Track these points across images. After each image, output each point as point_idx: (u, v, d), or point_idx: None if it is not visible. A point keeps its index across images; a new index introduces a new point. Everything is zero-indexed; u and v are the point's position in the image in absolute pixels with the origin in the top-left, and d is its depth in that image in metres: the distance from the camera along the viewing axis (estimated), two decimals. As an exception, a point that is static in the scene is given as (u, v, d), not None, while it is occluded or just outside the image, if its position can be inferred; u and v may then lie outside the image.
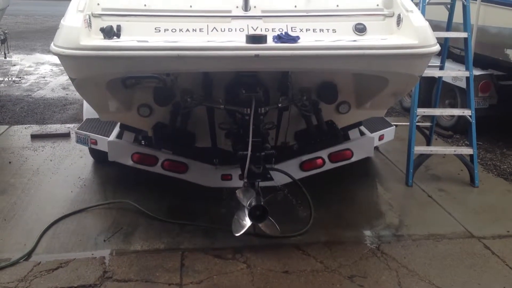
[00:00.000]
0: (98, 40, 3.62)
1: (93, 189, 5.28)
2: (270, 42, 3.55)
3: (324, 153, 4.87)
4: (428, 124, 6.38)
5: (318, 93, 4.43)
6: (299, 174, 4.83)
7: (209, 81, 4.27)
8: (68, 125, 7.57)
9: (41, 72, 12.12)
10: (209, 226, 4.48)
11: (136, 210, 4.74)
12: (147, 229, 4.44)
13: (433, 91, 6.93)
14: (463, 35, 5.38)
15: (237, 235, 3.94)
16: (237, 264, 3.93)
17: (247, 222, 3.94)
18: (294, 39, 3.67)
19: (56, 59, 14.10)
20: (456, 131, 7.37)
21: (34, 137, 6.93)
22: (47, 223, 4.47)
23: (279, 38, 3.67)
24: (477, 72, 6.64)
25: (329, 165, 4.94)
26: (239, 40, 3.60)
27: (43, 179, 5.52)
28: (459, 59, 7.04)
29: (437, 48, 3.79)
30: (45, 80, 11.20)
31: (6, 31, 10.82)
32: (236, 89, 4.14)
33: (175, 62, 3.52)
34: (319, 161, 4.91)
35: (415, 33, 3.73)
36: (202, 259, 4.00)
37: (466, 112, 5.41)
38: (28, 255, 4.03)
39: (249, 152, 3.84)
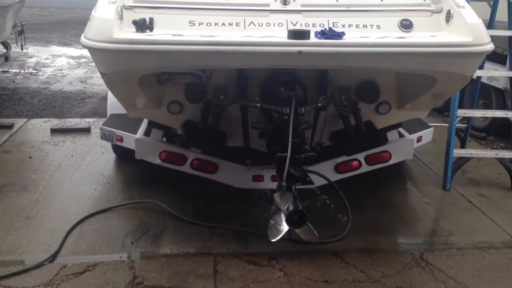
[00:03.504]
0: (131, 33, 3.41)
1: (117, 187, 5.09)
2: (313, 38, 3.33)
3: (360, 155, 4.64)
4: (462, 125, 6.11)
5: (358, 93, 4.19)
6: (333, 177, 4.60)
7: (244, 78, 4.05)
8: (87, 120, 7.41)
9: (57, 64, 11.98)
10: (241, 230, 4.27)
11: (162, 211, 4.54)
12: (176, 231, 4.24)
13: (465, 91, 6.67)
14: (509, 33, 5.11)
15: (273, 240, 3.72)
16: (273, 272, 3.72)
17: (284, 227, 3.71)
18: (339, 35, 3.44)
19: (72, 52, 14.08)
20: (490, 132, 7.10)
21: (54, 131, 6.77)
22: (72, 223, 4.29)
23: (323, 34, 3.45)
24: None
25: (365, 168, 4.71)
26: (279, 36, 3.38)
27: (65, 175, 5.34)
28: (496, 59, 6.73)
29: (491, 46, 3.56)
30: (62, 72, 11.05)
31: (23, 23, 10.70)
32: (273, 87, 3.92)
33: (213, 58, 3.31)
34: (355, 163, 4.68)
35: (468, 30, 3.49)
36: (235, 265, 3.79)
37: (509, 114, 5.15)
38: (53, 256, 3.85)
39: (288, 154, 3.62)
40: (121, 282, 3.55)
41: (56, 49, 14.15)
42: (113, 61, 3.41)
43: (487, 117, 6.96)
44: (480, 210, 4.75)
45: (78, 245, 4.01)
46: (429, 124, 5.49)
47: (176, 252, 3.94)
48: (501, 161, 5.25)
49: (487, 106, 7.18)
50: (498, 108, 6.87)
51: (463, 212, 4.73)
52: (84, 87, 9.70)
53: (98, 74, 4.12)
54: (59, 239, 4.04)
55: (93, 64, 11.78)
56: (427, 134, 5.28)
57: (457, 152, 5.24)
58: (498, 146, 6.80)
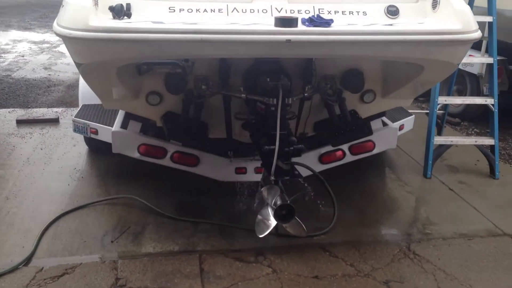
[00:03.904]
0: (108, 21, 3.18)
1: (92, 182, 4.86)
2: (300, 25, 3.20)
3: (345, 145, 4.55)
4: (439, 111, 6.10)
5: (343, 81, 4.09)
6: (318, 167, 4.51)
7: (226, 67, 3.89)
8: (55, 109, 7.08)
9: (19, 50, 11.45)
10: (226, 225, 4.14)
11: (142, 207, 4.36)
12: (158, 228, 4.08)
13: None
14: (488, 19, 5.10)
15: (261, 236, 3.61)
16: (261, 269, 3.62)
17: (272, 222, 3.61)
18: (328, 23, 3.31)
19: (33, 36, 13.45)
20: (464, 118, 7.16)
21: (20, 122, 6.44)
22: (46, 222, 4.06)
23: (311, 21, 3.31)
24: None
25: (349, 158, 4.64)
26: (265, 23, 3.23)
27: (36, 170, 5.07)
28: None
29: (479, 34, 3.51)
30: (24, 59, 10.56)
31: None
32: (258, 77, 3.78)
33: (197, 47, 3.13)
34: (339, 153, 4.60)
35: (456, 17, 3.42)
36: (222, 263, 3.66)
37: (489, 101, 5.16)
38: (28, 259, 3.63)
39: (276, 147, 3.50)
40: (103, 285, 3.38)
41: (17, 33, 13.53)
42: (90, 51, 3.18)
43: (461, 103, 6.99)
44: (461, 198, 4.77)
45: (54, 246, 3.80)
46: (408, 110, 5.46)
47: (159, 250, 3.78)
48: (480, 148, 5.28)
49: (461, 92, 7.23)
50: (473, 93, 6.92)
51: (445, 200, 4.74)
52: (49, 74, 9.29)
53: (63, 60, 3.89)
54: (33, 240, 3.82)
55: (57, 49, 11.34)
56: (408, 122, 5.25)
57: (438, 139, 5.24)
58: (473, 132, 6.87)
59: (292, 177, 3.61)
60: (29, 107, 7.24)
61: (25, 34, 13.27)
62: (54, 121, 6.50)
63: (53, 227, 4.03)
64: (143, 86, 3.94)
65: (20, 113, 6.85)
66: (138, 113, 4.18)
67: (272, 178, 3.54)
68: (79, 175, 4.99)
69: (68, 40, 3.15)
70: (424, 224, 4.28)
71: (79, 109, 5.15)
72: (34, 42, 12.31)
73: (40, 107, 7.24)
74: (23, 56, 10.77)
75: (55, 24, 3.24)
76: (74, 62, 3.45)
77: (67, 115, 6.71)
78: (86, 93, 4.91)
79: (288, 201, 3.51)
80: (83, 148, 5.57)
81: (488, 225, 4.30)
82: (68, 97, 7.81)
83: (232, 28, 3.14)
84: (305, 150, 4.42)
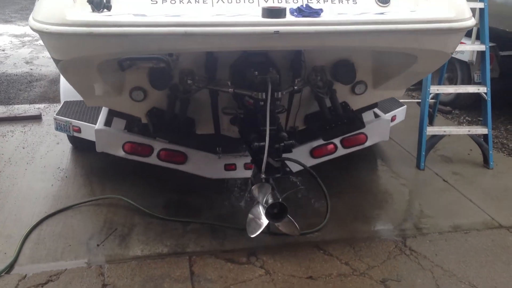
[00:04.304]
0: (87, 14, 3.00)
1: (77, 181, 4.68)
2: (288, 16, 3.05)
3: (336, 138, 4.42)
4: (431, 100, 6.00)
5: (334, 73, 3.95)
6: (309, 162, 4.38)
7: (212, 60, 3.73)
8: (37, 106, 6.86)
9: (-1, 44, 11.14)
10: (216, 224, 4.00)
11: (129, 207, 4.20)
12: (146, 229, 3.93)
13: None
14: (479, 5, 4.98)
15: (253, 236, 3.49)
16: (254, 270, 3.49)
17: (264, 221, 3.49)
18: (317, 13, 3.16)
19: (14, 29, 13.14)
20: (455, 106, 7.07)
21: (1, 120, 6.21)
22: (29, 226, 3.90)
23: (300, 12, 3.15)
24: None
25: (341, 151, 4.51)
26: (252, 14, 3.08)
27: (17, 170, 4.89)
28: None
29: (472, 21, 3.39)
30: (5, 53, 10.27)
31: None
32: (245, 70, 3.63)
33: (181, 41, 2.99)
34: (331, 146, 4.47)
35: (449, 5, 3.30)
36: (213, 265, 3.53)
37: (482, 89, 5.05)
38: (11, 266, 3.47)
39: (266, 144, 3.36)
40: (89, 292, 3.24)
41: (-4, 27, 13.19)
42: (69, 47, 3.02)
43: (453, 92, 6.90)
44: (456, 190, 4.67)
45: (38, 251, 3.64)
46: (399, 100, 5.33)
47: (148, 253, 3.64)
48: (473, 137, 5.19)
49: (451, 80, 7.13)
50: (463, 81, 6.81)
51: (440, 192, 4.64)
52: (31, 69, 9.03)
53: (45, 54, 3.71)
54: (15, 246, 3.65)
55: (39, 42, 11.05)
56: (400, 113, 5.13)
57: (430, 130, 5.14)
58: (464, 120, 6.78)
59: (284, 174, 3.49)
60: (10, 104, 7.01)
61: (6, 27, 12.92)
62: (36, 118, 6.29)
63: (36, 231, 3.87)
64: (126, 81, 3.77)
65: (1, 110, 6.62)
66: (122, 110, 4.00)
67: (263, 176, 3.40)
68: (63, 174, 4.82)
69: (44, 35, 3.00)
70: (420, 218, 4.18)
71: (60, 106, 4.95)
72: (15, 36, 11.99)
73: (21, 104, 7.01)
74: (3, 50, 10.48)
75: (30, 18, 3.08)
76: (52, 58, 3.28)
77: (50, 111, 6.51)
78: (68, 89, 4.70)
79: (280, 199, 3.39)
80: (67, 146, 5.39)
81: (484, 217, 4.21)
82: (50, 92, 7.58)
83: (217, 20, 2.98)
84: (296, 145, 4.30)
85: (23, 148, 5.39)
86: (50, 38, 3.00)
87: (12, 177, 4.74)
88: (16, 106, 6.84)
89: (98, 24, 2.84)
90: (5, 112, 6.53)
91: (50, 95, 7.42)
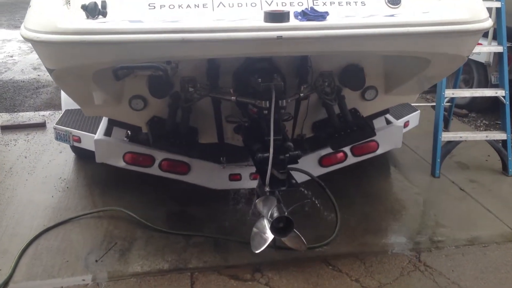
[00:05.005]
0: (81, 21, 2.85)
1: (78, 192, 4.55)
2: (293, 20, 2.87)
3: (346, 146, 4.23)
4: (446, 104, 5.76)
5: (342, 78, 3.76)
6: (318, 171, 4.21)
7: (215, 67, 3.56)
8: (42, 113, 6.77)
9: (7, 50, 11.12)
10: (220, 237, 3.83)
11: (131, 220, 4.05)
12: (146, 243, 3.77)
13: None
14: (496, 4, 4.75)
15: (257, 252, 3.31)
16: (258, 287, 3.31)
17: (269, 236, 3.30)
18: (323, 16, 2.98)
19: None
20: (471, 109, 6.82)
21: (5, 128, 6.13)
22: (26, 240, 3.77)
23: (304, 15, 2.98)
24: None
25: (351, 160, 4.32)
26: (254, 18, 2.91)
27: (18, 181, 4.77)
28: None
29: (489, 23, 3.18)
30: (13, 59, 10.24)
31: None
32: (249, 77, 3.46)
33: (179, 48, 2.83)
34: (341, 155, 4.27)
35: (464, 5, 3.09)
36: (216, 282, 3.36)
37: (500, 93, 4.82)
38: (5, 283, 3.34)
39: (270, 155, 3.17)
40: (85, 312, 3.09)
41: (6, 32, 13.18)
42: (61, 56, 2.88)
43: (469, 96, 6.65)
44: (473, 199, 4.44)
45: (34, 267, 3.50)
46: (412, 105, 5.11)
47: (148, 269, 3.48)
48: (491, 143, 4.95)
49: (467, 82, 6.88)
50: (480, 83, 6.57)
51: (456, 202, 4.41)
52: (38, 75, 8.97)
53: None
54: (11, 262, 3.52)
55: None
56: (413, 118, 4.91)
57: (446, 136, 4.91)
58: (481, 124, 6.53)
59: (289, 187, 3.29)
60: (16, 111, 6.92)
61: (15, 33, 12.88)
62: (41, 126, 6.19)
63: (33, 246, 3.74)
64: (125, 90, 3.62)
65: (6, 118, 6.54)
66: (121, 119, 3.85)
67: (267, 189, 3.22)
68: (65, 185, 4.69)
69: (36, 44, 2.87)
70: (435, 230, 3.97)
71: (61, 115, 4.83)
72: (24, 42, 11.93)
73: (27, 111, 6.93)
74: (12, 57, 10.45)
75: (22, 27, 2.95)
76: (45, 67, 3.15)
77: (55, 119, 6.35)
78: (69, 97, 4.57)
79: (286, 213, 3.21)
80: (70, 155, 5.26)
81: (503, 228, 3.98)
82: (56, 99, 7.46)
83: (216, 25, 2.81)
84: (303, 154, 4.11)
85: (25, 158, 5.27)
86: (42, 47, 2.88)
87: (12, 188, 4.61)
88: (21, 114, 6.75)
89: (90, 31, 2.70)
90: (10, 120, 6.43)
91: (56, 102, 7.30)
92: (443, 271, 3.45)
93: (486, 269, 3.48)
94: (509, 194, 4.55)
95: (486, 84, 6.49)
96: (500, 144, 4.93)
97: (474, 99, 6.66)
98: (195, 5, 3.16)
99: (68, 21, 2.74)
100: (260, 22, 2.82)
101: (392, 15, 3.21)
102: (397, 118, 4.65)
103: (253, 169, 3.97)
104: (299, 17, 2.95)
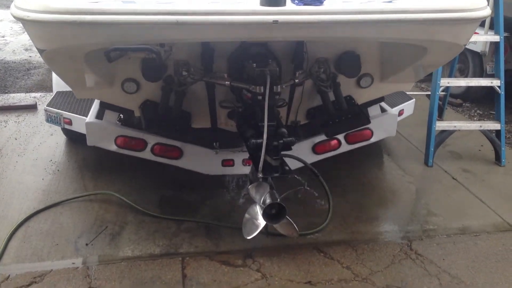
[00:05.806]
0: (73, 1, 2.79)
1: (68, 175, 4.50)
2: (289, 4, 2.82)
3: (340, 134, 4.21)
4: (440, 93, 5.75)
5: (338, 65, 3.72)
6: (311, 158, 4.19)
7: (209, 51, 3.51)
8: (33, 94, 6.70)
9: (-1, 30, 10.97)
10: (211, 223, 3.82)
11: (122, 204, 4.02)
12: (138, 228, 3.75)
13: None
14: (494, -7, 4.72)
15: (249, 238, 3.29)
16: (249, 273, 3.30)
17: (261, 223, 3.28)
18: (320, 1, 2.93)
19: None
20: (466, 99, 6.81)
21: (-5, 109, 6.05)
22: (16, 222, 3.73)
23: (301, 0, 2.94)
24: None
25: (345, 147, 4.30)
26: (250, 1, 2.85)
27: (8, 163, 4.71)
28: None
29: (488, 11, 3.15)
30: (5, 40, 10.10)
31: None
32: (243, 62, 3.41)
33: (173, 30, 2.77)
34: (335, 142, 4.26)
35: (463, -7, 3.06)
36: (207, 267, 3.35)
37: (495, 82, 4.80)
38: (-6, 266, 3.31)
39: (264, 141, 3.14)
40: (74, 296, 3.07)
41: (-2, 12, 13.00)
42: (52, 36, 2.82)
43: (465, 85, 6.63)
44: (466, 188, 4.45)
45: (23, 250, 3.46)
46: (407, 93, 5.09)
47: (138, 254, 3.46)
48: (485, 132, 4.94)
49: (462, 71, 6.87)
50: (475, 73, 6.55)
51: (449, 191, 4.41)
52: (30, 56, 8.85)
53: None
54: (0, 244, 3.48)
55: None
56: (408, 107, 4.90)
57: (440, 125, 4.90)
58: (475, 114, 6.53)
59: (282, 173, 3.26)
60: (6, 92, 6.83)
61: (6, 13, 12.67)
62: (32, 108, 6.12)
63: (22, 229, 3.70)
64: (117, 72, 3.56)
65: (-4, 99, 6.46)
66: (113, 102, 3.80)
67: (260, 175, 3.19)
68: (55, 167, 4.64)
69: (26, 23, 2.81)
70: (427, 219, 3.97)
71: (52, 96, 4.76)
72: (16, 22, 11.77)
73: (18, 92, 6.84)
74: (3, 37, 10.31)
75: (12, 5, 2.87)
76: (36, 48, 3.08)
77: (46, 101, 6.27)
78: (60, 79, 4.50)
79: (279, 199, 3.19)
80: (61, 137, 5.20)
81: (495, 218, 3.99)
82: (48, 80, 7.36)
83: (212, 8, 2.75)
84: (297, 141, 4.08)
85: (16, 139, 5.21)
86: (33, 27, 2.82)
87: (2, 170, 4.56)
88: (12, 95, 6.66)
89: (83, 11, 2.63)
90: (0, 101, 6.35)
91: (48, 84, 7.21)
92: (434, 260, 3.45)
93: (476, 258, 3.49)
94: (501, 184, 4.56)
95: (481, 74, 6.47)
96: (494, 134, 4.93)
97: (468, 88, 6.66)
98: (190, -14, 3.09)
99: (60, 0, 2.68)
100: (256, 5, 2.77)
101: (390, 1, 3.17)
102: (392, 106, 4.63)
103: (246, 155, 3.94)
104: (296, 1, 2.91)
